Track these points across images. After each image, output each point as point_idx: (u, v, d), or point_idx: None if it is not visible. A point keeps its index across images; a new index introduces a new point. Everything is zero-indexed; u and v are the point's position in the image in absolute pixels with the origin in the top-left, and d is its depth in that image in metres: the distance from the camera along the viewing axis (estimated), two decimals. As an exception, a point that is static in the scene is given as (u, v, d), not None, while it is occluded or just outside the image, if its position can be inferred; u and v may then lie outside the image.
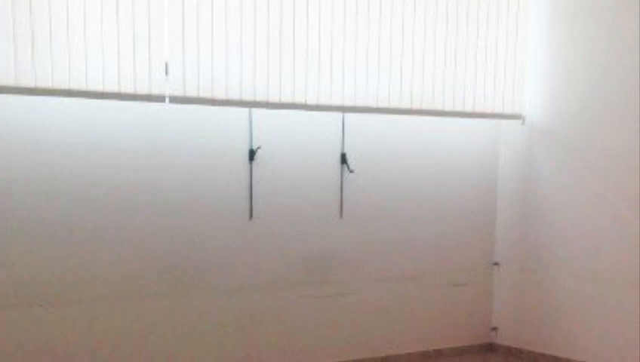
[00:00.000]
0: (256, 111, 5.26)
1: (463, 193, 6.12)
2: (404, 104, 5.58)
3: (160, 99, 4.84)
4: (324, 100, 5.31)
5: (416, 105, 5.62)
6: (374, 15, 5.42)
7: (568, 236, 5.84)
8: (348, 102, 5.39)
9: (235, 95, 5.03)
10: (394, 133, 5.80)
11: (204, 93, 4.94)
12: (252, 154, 5.28)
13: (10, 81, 4.42)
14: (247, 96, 5.07)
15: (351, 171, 5.60)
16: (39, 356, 4.86)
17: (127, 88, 4.72)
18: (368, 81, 5.44)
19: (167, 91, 4.85)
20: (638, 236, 5.47)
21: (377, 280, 5.86)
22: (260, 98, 5.11)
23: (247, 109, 5.23)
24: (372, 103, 5.47)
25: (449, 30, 5.68)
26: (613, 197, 5.58)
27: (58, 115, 4.75)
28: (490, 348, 6.37)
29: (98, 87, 4.65)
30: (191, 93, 4.91)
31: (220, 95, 4.99)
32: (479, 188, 6.19)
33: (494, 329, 6.36)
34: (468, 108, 5.82)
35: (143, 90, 4.77)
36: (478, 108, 5.85)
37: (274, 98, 5.15)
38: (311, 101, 5.27)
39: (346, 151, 5.60)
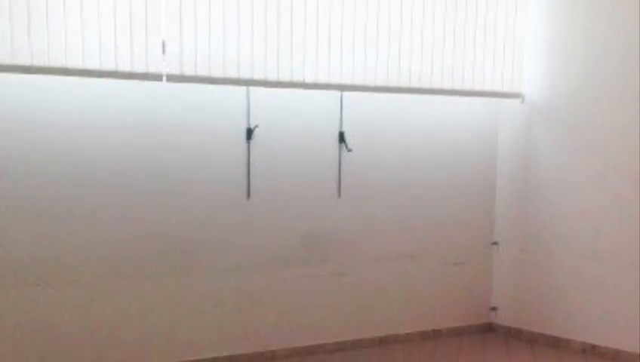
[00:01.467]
0: (254, 90, 5.24)
1: (462, 172, 6.10)
2: (403, 82, 5.56)
3: (157, 77, 4.83)
4: (322, 79, 5.29)
5: (415, 84, 5.60)
6: (373, -8, 5.41)
7: (568, 215, 5.83)
8: (346, 81, 5.38)
9: (232, 73, 5.01)
10: (393, 111, 5.78)
11: (202, 72, 4.92)
12: (250, 132, 5.26)
13: (5, 59, 4.40)
14: (245, 75, 5.05)
15: (349, 150, 5.58)
16: (37, 336, 4.86)
17: (125, 67, 4.70)
18: (367, 59, 5.42)
19: (165, 70, 4.83)
20: (638, 215, 5.46)
21: (376, 260, 5.85)
22: (257, 76, 5.09)
23: (244, 88, 5.21)
24: (370, 82, 5.45)
25: (448, 7, 5.65)
26: (613, 176, 5.56)
27: (55, 94, 4.74)
28: (490, 328, 6.38)
29: (95, 66, 4.62)
30: (188, 71, 4.88)
31: (217, 73, 4.97)
32: (478, 167, 6.17)
33: (493, 309, 6.36)
34: (467, 87, 5.80)
35: (140, 68, 4.75)
36: (478, 87, 5.83)
37: (272, 76, 5.13)
38: (309, 79, 5.25)
39: (344, 129, 5.58)
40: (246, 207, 5.35)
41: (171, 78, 4.86)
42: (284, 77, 5.17)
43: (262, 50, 5.08)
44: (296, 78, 5.21)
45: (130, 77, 4.75)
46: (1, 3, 4.34)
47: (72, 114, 4.79)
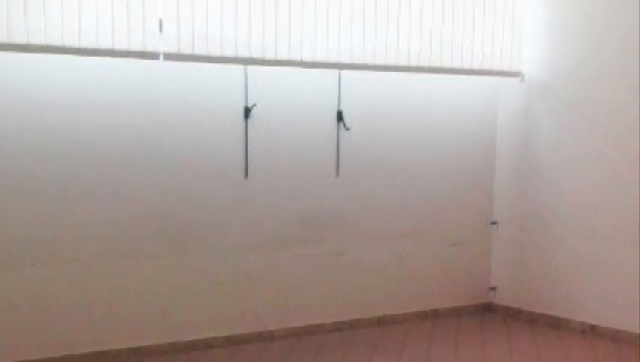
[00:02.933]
0: (252, 68, 5.21)
1: (461, 151, 6.08)
2: (402, 61, 5.53)
3: (154, 56, 4.81)
4: (320, 57, 5.26)
5: (413, 62, 5.57)
6: (371, -30, 5.36)
7: (567, 194, 5.81)
8: (344, 59, 5.35)
9: (230, 52, 4.98)
10: (391, 90, 5.76)
11: (199, 50, 4.90)
12: (247, 111, 5.23)
13: (2, 38, 4.36)
14: (243, 53, 5.02)
15: (347, 129, 5.56)
16: (34, 315, 4.85)
17: (121, 45, 4.68)
18: (365, 37, 5.38)
19: (162, 48, 4.81)
20: (638, 193, 5.44)
21: (374, 239, 5.84)
22: (255, 55, 5.06)
23: (242, 66, 5.18)
24: (369, 60, 5.42)
25: (447, -15, 5.63)
26: (613, 154, 5.54)
27: (52, 72, 4.72)
28: (489, 308, 6.37)
29: (92, 44, 4.60)
30: (185, 50, 4.86)
31: (215, 52, 4.94)
32: (477, 146, 6.15)
33: (492, 289, 6.35)
34: (466, 66, 5.77)
35: (137, 47, 4.74)
36: (477, 66, 5.81)
37: (270, 55, 5.10)
38: (307, 58, 5.23)
39: (342, 108, 5.56)
40: (244, 187, 5.33)
41: (168, 57, 4.83)
42: (282, 55, 5.14)
43: (260, 29, 5.05)
44: (294, 56, 5.18)
45: (127, 55, 4.73)
46: (-3, -20, 4.33)
47: (68, 92, 4.77)
